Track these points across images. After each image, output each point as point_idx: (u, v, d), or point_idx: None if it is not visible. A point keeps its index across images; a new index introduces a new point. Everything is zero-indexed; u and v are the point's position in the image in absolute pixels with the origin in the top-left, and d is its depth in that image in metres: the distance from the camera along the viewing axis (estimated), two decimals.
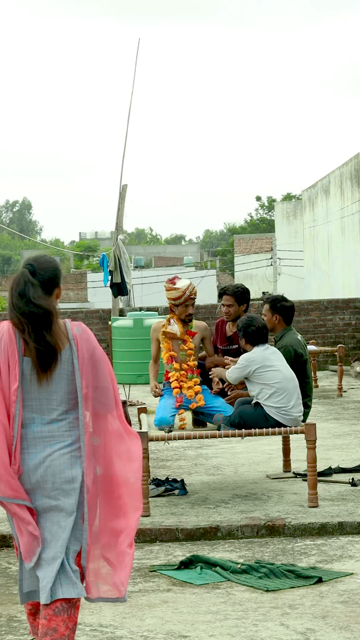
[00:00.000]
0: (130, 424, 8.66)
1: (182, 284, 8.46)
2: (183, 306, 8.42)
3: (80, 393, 4.21)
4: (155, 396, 8.62)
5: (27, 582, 4.24)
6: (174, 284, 8.45)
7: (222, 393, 8.60)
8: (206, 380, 8.63)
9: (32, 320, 4.14)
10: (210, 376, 8.52)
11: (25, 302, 4.15)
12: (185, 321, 8.48)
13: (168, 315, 8.61)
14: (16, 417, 4.14)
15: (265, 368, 7.92)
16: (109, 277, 18.78)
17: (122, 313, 19.46)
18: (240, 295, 8.87)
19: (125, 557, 4.29)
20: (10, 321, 4.20)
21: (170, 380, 8.43)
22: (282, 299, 8.90)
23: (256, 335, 8.05)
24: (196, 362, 8.50)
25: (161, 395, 8.53)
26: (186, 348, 8.43)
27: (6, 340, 4.18)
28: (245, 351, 8.15)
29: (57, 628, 4.10)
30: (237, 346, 8.74)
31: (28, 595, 4.26)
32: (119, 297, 20.50)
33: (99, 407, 4.28)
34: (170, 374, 8.45)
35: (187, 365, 8.42)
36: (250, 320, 8.11)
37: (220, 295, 9.02)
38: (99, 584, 4.29)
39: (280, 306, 8.78)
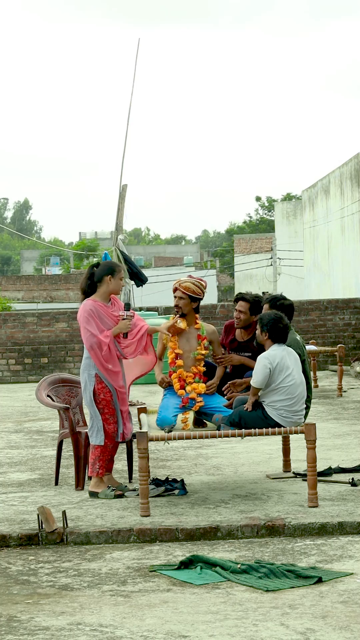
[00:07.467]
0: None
1: (184, 278, 8.65)
2: (174, 297, 8.55)
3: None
4: (164, 387, 8.54)
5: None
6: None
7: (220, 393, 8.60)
8: (208, 379, 8.63)
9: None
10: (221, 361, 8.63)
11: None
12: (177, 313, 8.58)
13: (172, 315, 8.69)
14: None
15: (280, 371, 7.92)
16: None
17: None
18: (256, 305, 8.94)
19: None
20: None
21: (173, 378, 8.40)
22: (282, 297, 8.87)
23: (281, 333, 8.06)
24: (204, 369, 8.52)
25: (168, 386, 8.50)
26: (198, 352, 8.45)
27: None
28: (262, 345, 8.15)
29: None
30: (249, 355, 8.77)
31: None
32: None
33: None
34: (174, 375, 8.41)
35: (197, 369, 8.43)
36: (279, 317, 8.11)
37: (236, 300, 9.06)
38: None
39: (280, 305, 8.76)
